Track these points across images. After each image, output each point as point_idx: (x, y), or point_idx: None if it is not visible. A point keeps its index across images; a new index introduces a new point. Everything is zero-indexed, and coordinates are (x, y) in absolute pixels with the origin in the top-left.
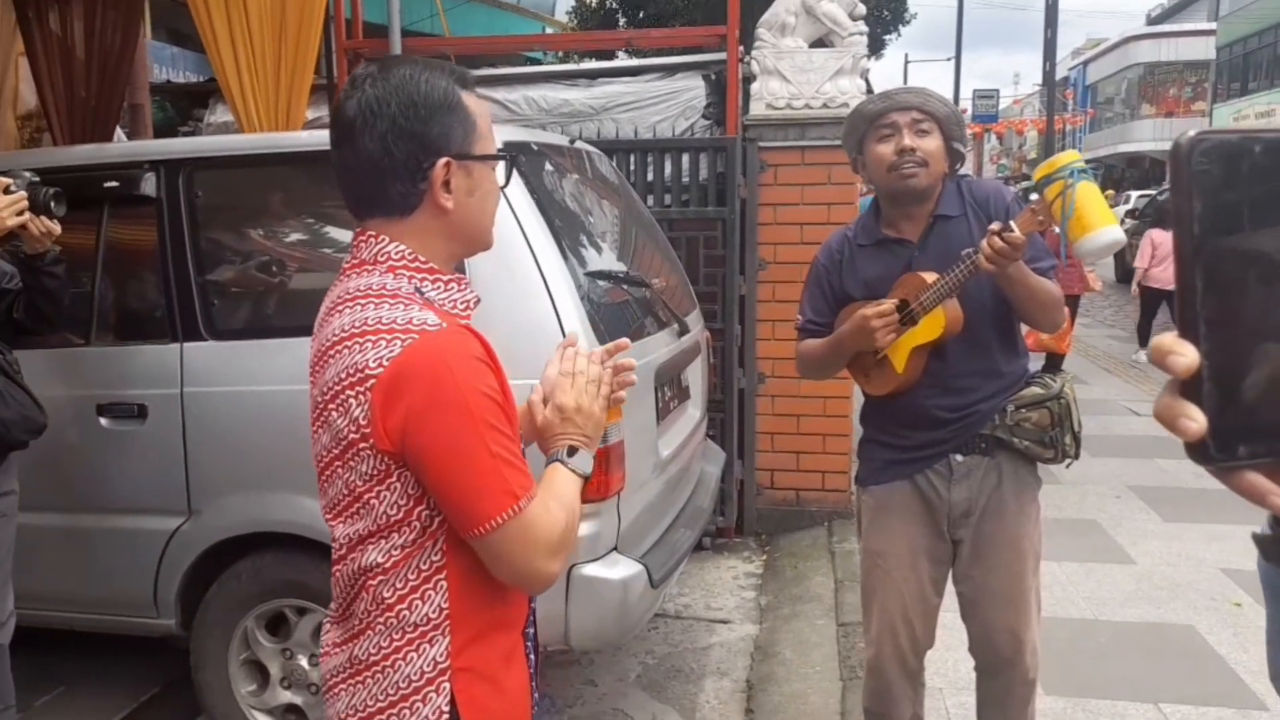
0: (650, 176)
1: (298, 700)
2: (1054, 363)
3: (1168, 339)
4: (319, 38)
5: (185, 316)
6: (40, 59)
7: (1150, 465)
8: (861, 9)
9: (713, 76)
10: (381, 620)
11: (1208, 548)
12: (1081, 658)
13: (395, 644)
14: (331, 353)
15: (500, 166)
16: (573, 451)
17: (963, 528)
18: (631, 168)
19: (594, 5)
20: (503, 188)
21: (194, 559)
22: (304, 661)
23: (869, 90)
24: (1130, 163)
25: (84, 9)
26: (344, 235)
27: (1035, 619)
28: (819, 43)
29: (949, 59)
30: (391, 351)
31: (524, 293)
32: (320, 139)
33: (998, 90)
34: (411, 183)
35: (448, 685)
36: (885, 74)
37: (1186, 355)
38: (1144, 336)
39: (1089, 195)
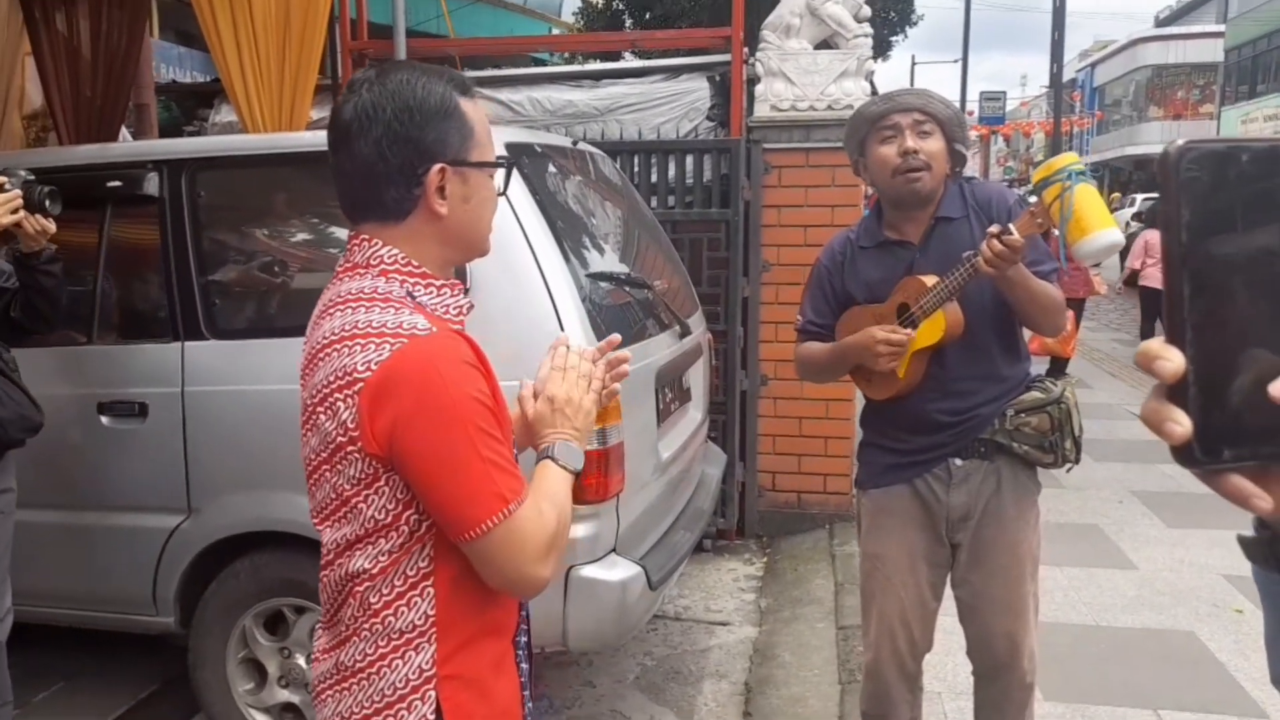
0: (654, 178)
1: (295, 699)
2: (1058, 366)
3: (1155, 344)
4: (323, 38)
5: (187, 315)
6: (47, 59)
7: (1153, 470)
8: (866, 11)
9: (717, 78)
10: (367, 626)
11: (1210, 554)
12: (1082, 663)
13: (381, 650)
14: (321, 355)
15: (499, 174)
16: (564, 447)
17: (961, 532)
18: (635, 169)
19: (600, 6)
20: (501, 194)
21: (193, 557)
22: (301, 661)
23: (874, 92)
24: (1138, 165)
25: (90, 9)
26: (346, 236)
27: (1033, 624)
28: (824, 44)
29: (956, 61)
30: (380, 355)
31: (525, 294)
32: (323, 139)
33: (1004, 92)
34: (406, 188)
35: (433, 693)
36: (892, 76)
37: (1173, 360)
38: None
39: (1087, 197)
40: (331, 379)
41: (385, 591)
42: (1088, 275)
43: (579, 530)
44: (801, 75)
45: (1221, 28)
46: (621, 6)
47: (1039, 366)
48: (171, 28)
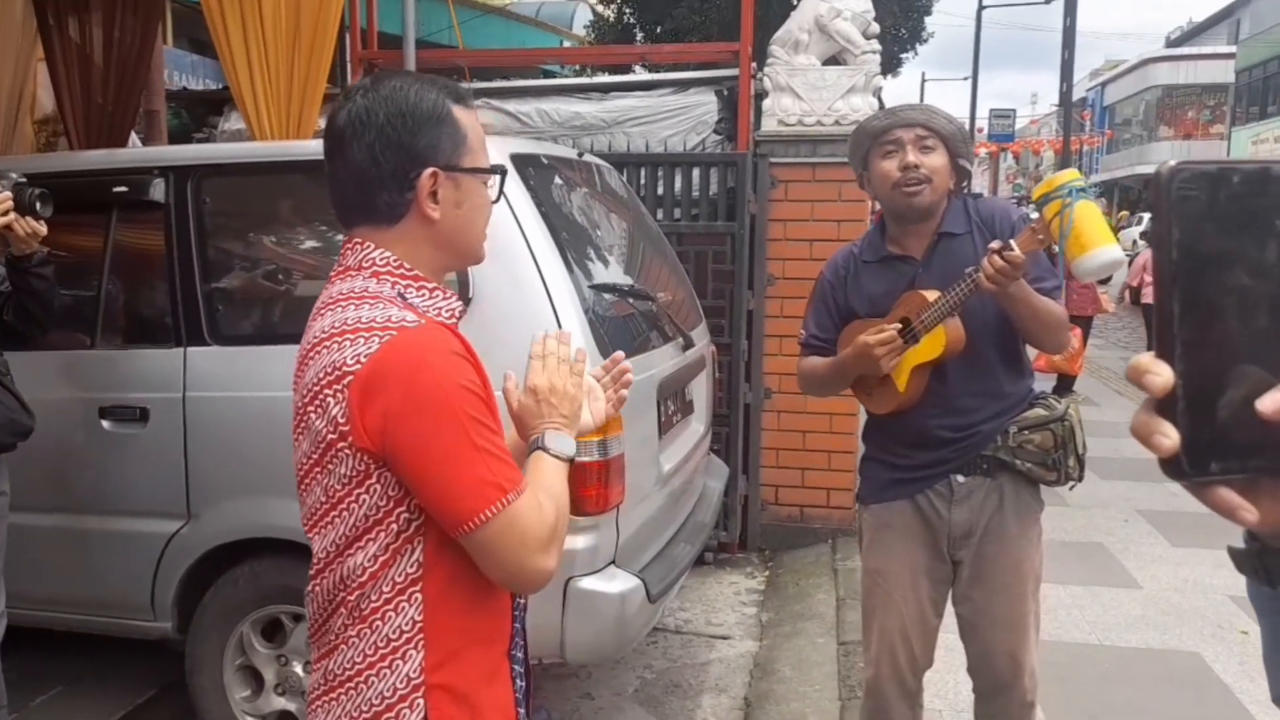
0: (661, 190)
1: (291, 707)
2: (1065, 384)
3: (1145, 359)
4: (333, 47)
5: (190, 321)
6: (59, 65)
7: (1159, 489)
8: (875, 27)
9: (725, 92)
10: (355, 632)
11: (1216, 574)
12: (1084, 683)
13: (369, 659)
14: (311, 355)
15: (493, 182)
16: (554, 436)
17: (963, 549)
18: (642, 181)
19: (612, 20)
20: (494, 202)
21: (192, 563)
22: (299, 668)
23: (881, 108)
24: (1147, 184)
25: (103, 16)
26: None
27: (1034, 642)
28: (832, 60)
29: (966, 78)
30: (370, 348)
31: (527, 304)
32: None
33: (1014, 110)
34: (399, 192)
35: (422, 701)
36: (902, 92)
37: (1162, 375)
38: None
39: (1087, 214)
40: (321, 376)
41: (374, 598)
42: (1095, 293)
43: (578, 541)
44: (809, 90)
45: (1233, 49)
46: (633, 20)
47: (1046, 383)
48: (185, 35)
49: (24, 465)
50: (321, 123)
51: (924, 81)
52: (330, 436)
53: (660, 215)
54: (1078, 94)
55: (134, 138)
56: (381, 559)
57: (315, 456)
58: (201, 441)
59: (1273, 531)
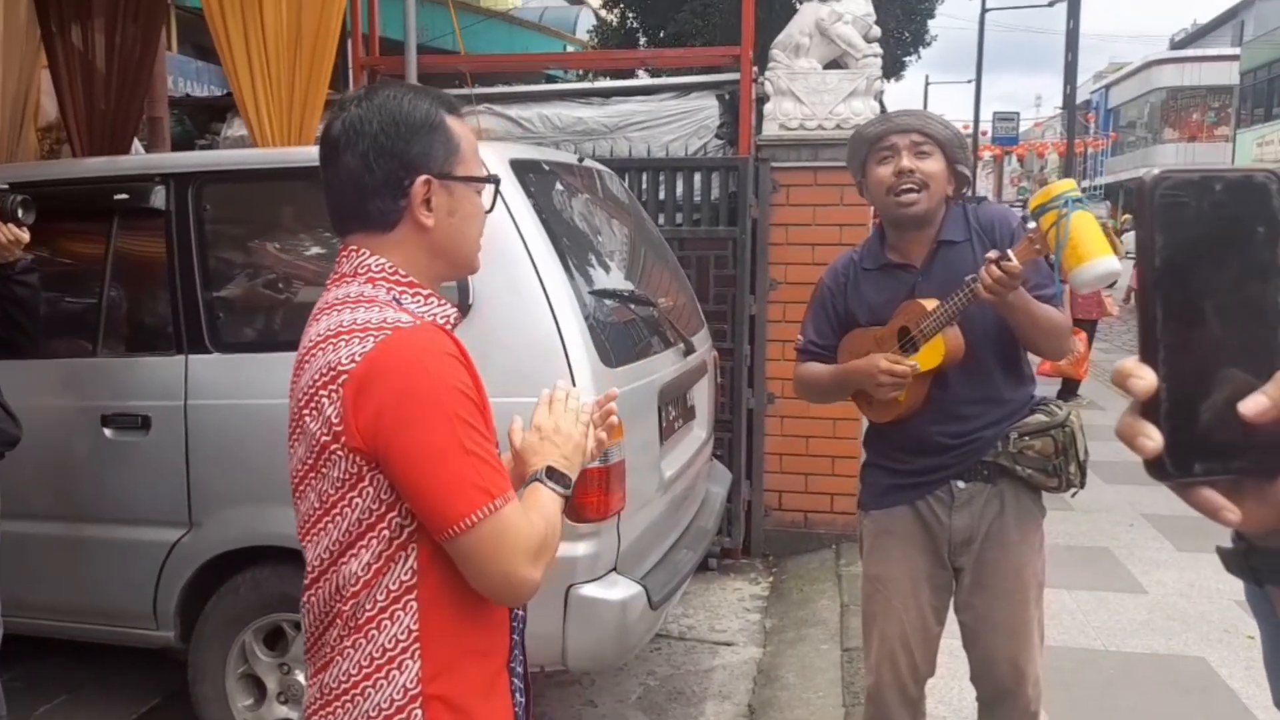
0: (662, 195)
1: (294, 715)
2: (1070, 388)
3: (1129, 363)
4: (334, 54)
5: (191, 329)
6: (61, 71)
7: (1164, 493)
8: (876, 31)
9: (726, 96)
10: (350, 643)
11: (1222, 578)
12: (1089, 689)
13: (364, 670)
14: (307, 359)
15: (487, 190)
16: (552, 473)
17: (964, 555)
18: (644, 186)
19: (615, 25)
20: (488, 211)
21: (194, 571)
22: (301, 676)
23: (883, 112)
24: (1131, 192)
25: (105, 23)
26: None
27: (1037, 649)
28: (833, 64)
29: (969, 81)
30: (364, 348)
31: (527, 311)
32: None
33: (1018, 113)
34: (392, 199)
35: (419, 713)
36: (906, 96)
37: (1145, 378)
38: None
39: (1084, 224)
40: (316, 377)
41: (368, 606)
42: (1100, 296)
43: (579, 548)
44: (810, 94)
45: (1237, 50)
46: (636, 25)
47: (1051, 388)
48: (190, 41)
49: (26, 474)
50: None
51: (927, 85)
52: (324, 439)
53: (662, 220)
54: (1082, 97)
55: (137, 144)
56: (375, 566)
57: (310, 462)
58: (203, 449)
59: (1258, 531)
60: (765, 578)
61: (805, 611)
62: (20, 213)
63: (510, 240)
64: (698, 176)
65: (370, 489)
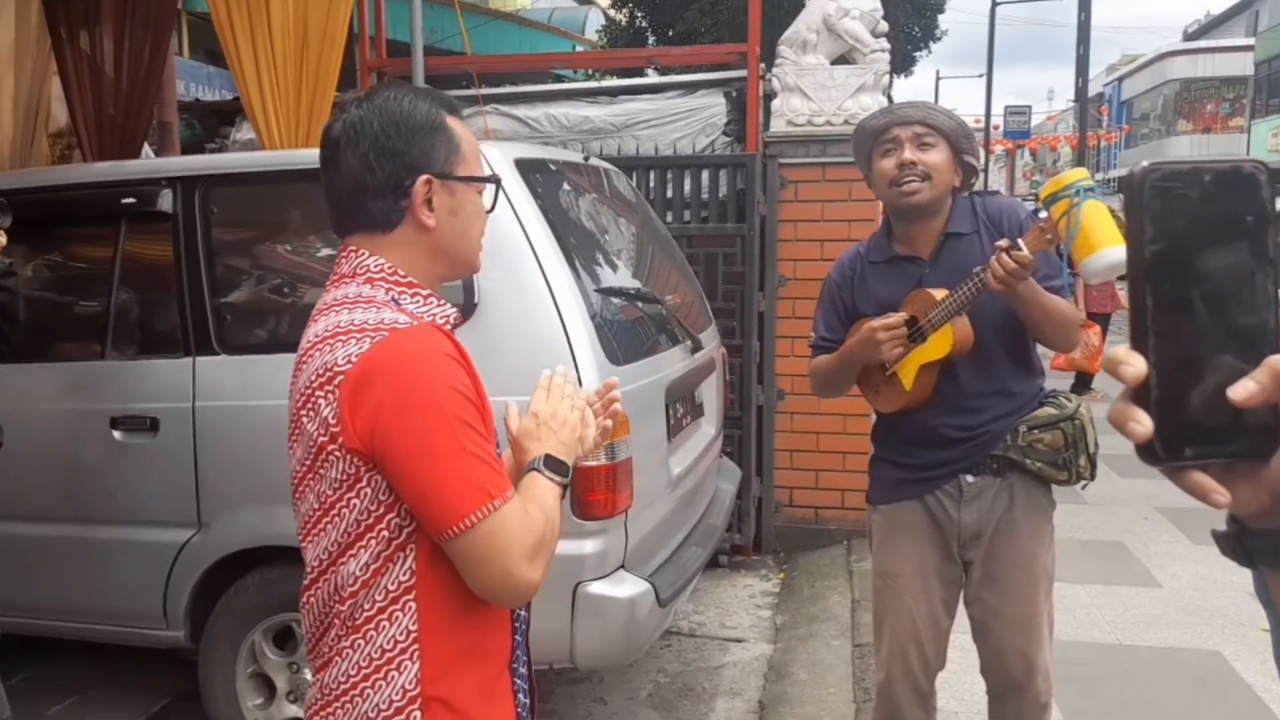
0: (670, 193)
1: (303, 715)
2: (1083, 381)
3: (1120, 350)
4: (341, 57)
5: (199, 331)
6: (71, 77)
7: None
8: (884, 26)
9: (734, 93)
10: (349, 644)
11: (1237, 572)
12: (1104, 683)
13: (363, 671)
14: (305, 360)
15: (488, 191)
16: (550, 461)
17: (973, 549)
18: (651, 184)
19: (624, 24)
20: (489, 211)
21: (203, 572)
22: (310, 675)
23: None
24: (1121, 184)
25: (114, 28)
26: None
27: (1048, 643)
28: (841, 60)
29: (981, 75)
30: (361, 348)
31: (533, 310)
32: None
33: (1030, 107)
34: (393, 200)
35: (419, 714)
36: (916, 90)
37: (1136, 365)
38: None
39: (1095, 214)
40: (314, 378)
41: (367, 606)
42: (1114, 289)
43: (586, 546)
44: (818, 90)
45: (1251, 41)
46: (644, 25)
47: (1063, 381)
48: (202, 47)
49: (36, 476)
50: None
51: (938, 79)
52: (321, 440)
53: (670, 218)
54: (1094, 89)
55: (147, 149)
56: (373, 567)
57: (308, 463)
58: (211, 451)
59: (1250, 513)
60: (776, 574)
61: (816, 608)
62: None
63: (515, 239)
64: (705, 174)
65: (368, 490)
